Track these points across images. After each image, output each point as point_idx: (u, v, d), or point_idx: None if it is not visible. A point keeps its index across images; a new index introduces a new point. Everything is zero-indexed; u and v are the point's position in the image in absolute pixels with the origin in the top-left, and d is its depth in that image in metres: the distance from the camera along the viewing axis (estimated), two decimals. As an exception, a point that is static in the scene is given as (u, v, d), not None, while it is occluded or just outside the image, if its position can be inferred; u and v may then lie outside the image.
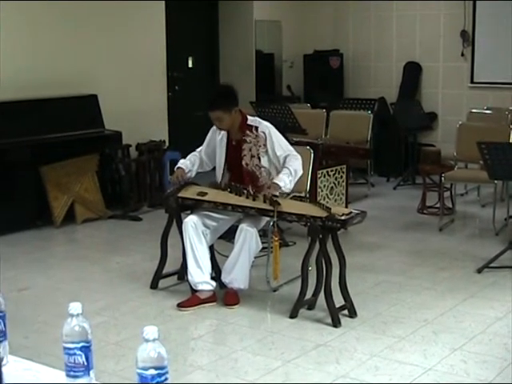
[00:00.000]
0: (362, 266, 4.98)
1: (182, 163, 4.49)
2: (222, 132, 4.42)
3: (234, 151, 4.40)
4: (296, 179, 4.26)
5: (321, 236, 3.85)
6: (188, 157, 4.56)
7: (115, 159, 6.73)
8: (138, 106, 7.28)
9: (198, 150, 4.59)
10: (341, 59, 9.18)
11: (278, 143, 4.33)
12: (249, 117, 4.43)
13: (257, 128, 4.35)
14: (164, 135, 7.58)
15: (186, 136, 8.65)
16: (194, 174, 4.54)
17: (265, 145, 4.32)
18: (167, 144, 7.44)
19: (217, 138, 4.47)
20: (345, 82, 9.28)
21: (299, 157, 4.32)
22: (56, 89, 6.48)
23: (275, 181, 4.19)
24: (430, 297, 4.38)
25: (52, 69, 6.54)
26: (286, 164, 4.25)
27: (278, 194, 4.12)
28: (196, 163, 4.53)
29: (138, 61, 7.33)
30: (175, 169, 4.49)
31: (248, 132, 4.35)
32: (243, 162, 4.36)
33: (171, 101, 8.11)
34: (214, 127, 4.44)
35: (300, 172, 4.28)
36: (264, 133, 4.34)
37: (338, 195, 6.09)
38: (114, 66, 7.11)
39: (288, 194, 4.42)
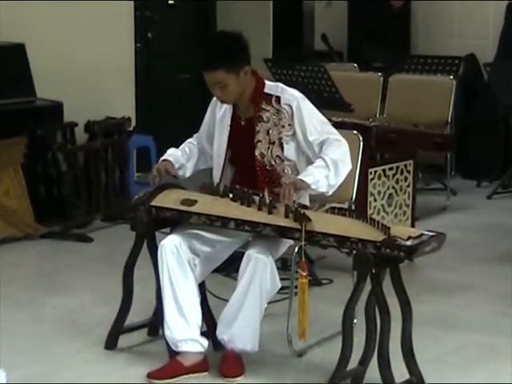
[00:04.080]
0: (437, 318, 5.01)
1: (170, 154, 4.51)
2: (225, 106, 4.44)
3: (242, 135, 4.41)
4: (339, 177, 4.21)
5: (374, 271, 3.86)
6: (182, 146, 4.59)
7: (52, 146, 6.76)
8: (88, 64, 7.31)
9: (197, 135, 4.63)
10: (407, -5, 9.23)
11: (311, 122, 4.31)
12: (267, 82, 4.44)
13: (279, 99, 4.35)
14: (129, 110, 7.62)
15: (164, 112, 8.73)
16: (188, 172, 4.57)
17: (290, 125, 4.33)
18: (134, 123, 7.47)
19: (217, 115, 4.49)
20: (412, 30, 9.30)
21: (344, 142, 4.28)
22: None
23: (300, 176, 4.17)
24: (542, 368, 4.40)
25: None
26: (322, 153, 4.23)
27: (297, 197, 4.09)
28: (193, 156, 4.57)
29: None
30: (160, 161, 4.50)
31: (265, 105, 4.36)
32: (256, 152, 4.36)
33: (141, 56, 8.15)
34: (215, 98, 4.46)
35: (345, 166, 4.23)
36: (290, 106, 4.33)
37: (401, 207, 6.11)
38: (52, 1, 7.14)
39: (323, 205, 4.43)
